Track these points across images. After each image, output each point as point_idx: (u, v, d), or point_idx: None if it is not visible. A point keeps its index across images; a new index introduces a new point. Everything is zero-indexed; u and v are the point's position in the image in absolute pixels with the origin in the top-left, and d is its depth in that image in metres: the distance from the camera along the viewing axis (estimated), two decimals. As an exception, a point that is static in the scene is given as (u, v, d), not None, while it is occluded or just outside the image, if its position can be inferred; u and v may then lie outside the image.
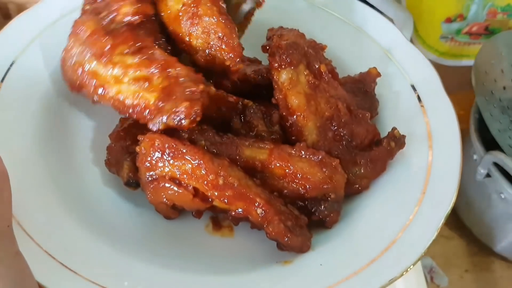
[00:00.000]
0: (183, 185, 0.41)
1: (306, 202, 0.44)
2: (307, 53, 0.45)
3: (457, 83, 0.73)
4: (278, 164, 0.43)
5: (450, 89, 0.73)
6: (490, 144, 0.58)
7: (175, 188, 0.42)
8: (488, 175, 0.59)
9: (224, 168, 0.41)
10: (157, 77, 0.42)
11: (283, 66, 0.44)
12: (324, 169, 0.43)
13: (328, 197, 0.43)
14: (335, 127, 0.45)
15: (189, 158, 0.41)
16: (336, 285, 0.39)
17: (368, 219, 0.44)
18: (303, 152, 0.43)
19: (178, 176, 0.41)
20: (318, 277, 0.40)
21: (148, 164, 0.42)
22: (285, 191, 0.43)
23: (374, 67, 0.51)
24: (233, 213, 0.42)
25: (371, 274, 0.40)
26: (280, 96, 0.45)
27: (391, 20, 0.60)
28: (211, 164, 0.41)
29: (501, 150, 0.56)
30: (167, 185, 0.42)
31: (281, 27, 0.48)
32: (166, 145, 0.41)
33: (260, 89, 0.48)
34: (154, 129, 0.42)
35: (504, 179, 0.57)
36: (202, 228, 0.46)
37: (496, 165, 0.57)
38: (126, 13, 0.45)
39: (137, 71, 0.43)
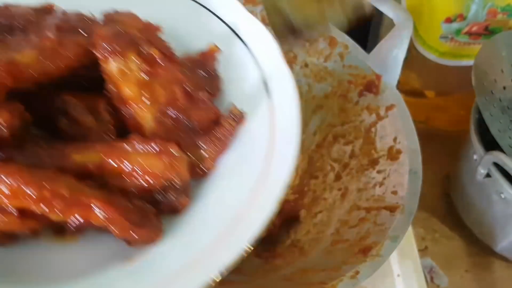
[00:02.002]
0: (6, 211, 0.37)
1: (154, 195, 0.42)
2: (137, 38, 0.43)
3: (457, 83, 0.73)
4: (115, 164, 0.40)
5: (450, 89, 0.73)
6: (490, 144, 0.58)
7: None
8: (488, 175, 0.59)
9: (48, 179, 0.37)
10: None
11: (110, 57, 0.41)
12: (163, 158, 0.41)
13: (174, 184, 0.42)
14: (173, 113, 0.44)
15: (4, 178, 0.36)
16: (176, 274, 0.38)
17: (215, 197, 0.43)
18: (137, 145, 0.41)
19: None
20: (160, 272, 0.39)
21: None
22: (131, 188, 0.41)
23: (214, 44, 0.49)
24: (72, 223, 0.39)
25: (221, 251, 0.39)
26: (113, 88, 0.43)
27: (390, 20, 0.60)
28: (31, 178, 0.37)
29: (501, 150, 0.56)
30: None
31: (116, 11, 0.46)
32: None
33: (79, 79, 0.45)
34: None
35: (504, 179, 0.57)
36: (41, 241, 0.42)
37: (496, 165, 0.57)
38: None
39: None
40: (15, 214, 0.37)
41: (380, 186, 0.54)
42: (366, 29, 0.79)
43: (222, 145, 0.45)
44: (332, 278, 0.44)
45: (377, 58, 0.59)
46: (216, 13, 0.52)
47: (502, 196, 0.58)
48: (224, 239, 0.39)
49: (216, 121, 0.46)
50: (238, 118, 0.46)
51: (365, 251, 0.47)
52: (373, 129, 0.58)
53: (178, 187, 0.42)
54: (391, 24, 0.73)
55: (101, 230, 0.40)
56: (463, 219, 0.67)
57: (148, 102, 0.43)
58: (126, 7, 0.46)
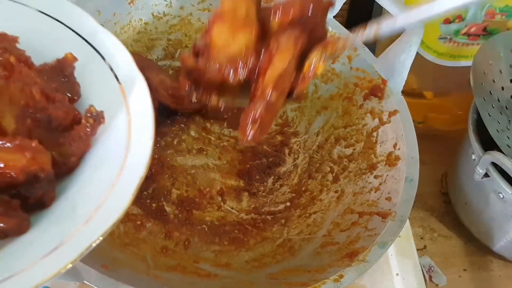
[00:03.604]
0: None
1: (20, 189, 0.44)
2: None
3: (456, 83, 0.73)
4: None
5: (449, 90, 0.73)
6: (488, 144, 0.59)
7: None
8: (486, 175, 0.59)
9: None
10: None
11: None
12: (25, 153, 0.43)
13: (38, 178, 0.44)
14: (32, 113, 0.47)
15: None
16: (43, 259, 0.40)
17: (79, 191, 0.46)
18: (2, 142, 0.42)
19: None
20: (27, 256, 0.41)
21: None
22: None
23: (70, 52, 0.52)
24: None
25: (77, 241, 0.41)
26: None
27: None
28: None
29: (500, 150, 0.56)
30: None
31: None
32: None
33: None
34: None
35: (503, 179, 0.57)
36: None
37: (495, 165, 0.57)
38: None
39: None
40: None
41: (375, 191, 0.54)
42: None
43: (84, 142, 0.48)
44: (316, 279, 0.45)
45: (385, 62, 0.59)
46: (71, 27, 0.56)
47: (500, 195, 0.58)
48: (84, 228, 0.42)
49: (77, 121, 0.49)
50: (96, 117, 0.49)
51: (352, 256, 0.47)
52: (374, 134, 0.58)
53: (43, 182, 0.44)
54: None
55: None
56: (462, 219, 0.67)
57: (8, 105, 0.45)
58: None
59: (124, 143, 0.48)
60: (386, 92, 0.58)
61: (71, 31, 0.56)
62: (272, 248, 0.54)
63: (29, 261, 0.40)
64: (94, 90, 0.53)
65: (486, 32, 0.69)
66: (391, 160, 0.55)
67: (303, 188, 0.60)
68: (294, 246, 0.54)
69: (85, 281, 0.45)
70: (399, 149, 0.55)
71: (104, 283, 0.44)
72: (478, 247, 0.66)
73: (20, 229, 0.43)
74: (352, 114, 0.61)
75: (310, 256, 0.51)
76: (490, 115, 0.59)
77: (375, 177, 0.55)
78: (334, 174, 0.59)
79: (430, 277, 0.63)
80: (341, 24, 0.64)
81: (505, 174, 0.56)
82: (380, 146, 0.57)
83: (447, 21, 0.68)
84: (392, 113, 0.57)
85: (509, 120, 0.60)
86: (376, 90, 0.59)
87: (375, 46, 0.76)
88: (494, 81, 0.62)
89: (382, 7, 0.60)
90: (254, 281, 0.49)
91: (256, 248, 0.54)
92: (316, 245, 0.52)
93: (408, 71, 0.58)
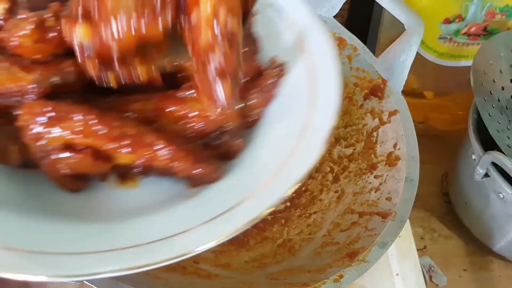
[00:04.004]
0: (79, 150, 0.38)
1: (209, 140, 0.44)
2: None
3: (456, 83, 0.73)
4: (173, 109, 0.42)
5: (449, 90, 0.73)
6: (488, 144, 0.59)
7: (72, 155, 0.38)
8: (486, 175, 0.59)
9: (116, 119, 0.39)
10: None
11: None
12: None
13: (226, 128, 0.44)
14: None
15: (76, 117, 0.38)
16: (236, 206, 0.39)
17: (264, 144, 0.45)
18: (190, 93, 0.42)
19: (69, 139, 0.38)
20: (221, 202, 0.41)
21: (35, 135, 0.38)
22: (187, 132, 0.43)
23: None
24: (138, 164, 0.40)
25: (272, 188, 0.41)
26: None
27: (390, 20, 0.60)
28: (102, 117, 0.38)
29: (500, 150, 0.56)
30: (61, 155, 0.38)
31: None
32: (48, 108, 0.38)
33: None
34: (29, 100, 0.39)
35: (503, 179, 0.57)
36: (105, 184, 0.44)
37: (495, 165, 0.57)
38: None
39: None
40: (88, 153, 0.38)
41: (375, 191, 0.54)
42: (365, 29, 0.79)
43: (267, 94, 0.47)
44: (316, 280, 0.45)
45: (385, 62, 0.59)
46: None
47: (501, 196, 0.58)
48: (276, 177, 0.41)
49: (259, 74, 0.47)
50: (279, 68, 0.47)
51: (352, 256, 0.47)
52: (374, 134, 0.58)
53: (230, 133, 0.43)
54: (391, 25, 0.74)
55: (163, 174, 0.42)
56: (462, 219, 0.67)
57: None
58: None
59: (306, 94, 0.46)
60: (386, 92, 0.58)
61: None
62: (272, 248, 0.54)
63: (224, 207, 0.39)
64: (272, 41, 0.50)
65: (486, 32, 0.69)
66: (391, 160, 0.55)
67: (303, 188, 0.60)
68: (294, 246, 0.54)
69: (85, 281, 0.44)
70: (399, 149, 0.55)
71: (104, 283, 0.44)
72: (478, 247, 0.66)
73: (214, 176, 0.42)
74: (352, 114, 0.61)
75: (310, 256, 0.51)
76: (490, 115, 0.59)
77: (375, 177, 0.55)
78: (334, 174, 0.59)
79: (430, 277, 0.63)
80: (341, 24, 0.64)
81: (506, 174, 0.56)
82: (380, 146, 0.57)
83: (447, 21, 0.68)
84: (392, 113, 0.57)
85: (509, 120, 0.60)
86: (376, 90, 0.59)
87: (375, 46, 0.76)
88: (494, 81, 0.62)
89: (382, 7, 0.60)
90: (254, 281, 0.49)
91: (256, 248, 0.54)
92: (316, 245, 0.52)
93: (408, 71, 0.58)
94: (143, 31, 0.38)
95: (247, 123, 0.46)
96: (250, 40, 0.50)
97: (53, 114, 0.38)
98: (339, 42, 0.63)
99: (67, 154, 0.38)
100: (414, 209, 0.50)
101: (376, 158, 0.56)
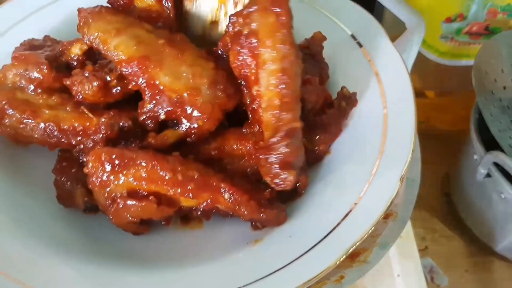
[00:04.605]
0: (144, 196, 0.40)
1: None
2: None
3: (458, 83, 0.73)
4: (235, 147, 0.42)
5: (451, 89, 0.73)
6: (490, 144, 0.58)
7: (137, 203, 0.40)
8: (488, 175, 0.59)
9: (179, 163, 0.40)
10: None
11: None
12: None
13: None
14: None
15: (141, 163, 0.39)
16: (304, 255, 0.38)
17: (331, 184, 0.44)
18: (253, 128, 0.42)
19: (135, 185, 0.39)
20: (287, 250, 0.39)
21: (101, 182, 0.40)
22: (248, 170, 0.43)
23: (319, 31, 0.50)
24: (201, 207, 0.41)
25: (337, 238, 0.39)
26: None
27: (391, 19, 0.59)
28: (165, 162, 0.40)
29: (502, 150, 0.56)
30: (128, 202, 0.40)
31: None
32: (114, 156, 0.39)
33: None
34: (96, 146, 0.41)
35: (504, 179, 0.57)
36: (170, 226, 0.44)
37: (497, 165, 0.57)
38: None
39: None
40: (153, 200, 0.39)
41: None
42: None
43: (335, 128, 0.45)
44: (317, 280, 0.45)
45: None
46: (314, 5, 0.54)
47: (502, 196, 0.58)
48: (347, 221, 0.40)
49: (328, 104, 0.46)
50: (349, 100, 0.45)
51: (353, 257, 0.47)
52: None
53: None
54: (392, 24, 0.73)
55: (226, 215, 0.42)
56: (463, 219, 0.67)
57: None
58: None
59: (380, 129, 0.44)
60: (388, 92, 0.58)
61: (316, 9, 0.53)
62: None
63: (290, 256, 0.39)
64: (343, 69, 0.49)
65: (488, 31, 0.69)
66: (393, 160, 0.54)
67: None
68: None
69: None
70: (400, 149, 0.54)
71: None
72: (480, 247, 0.66)
73: (278, 221, 0.42)
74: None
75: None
76: (492, 115, 0.59)
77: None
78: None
79: (432, 278, 0.62)
80: (342, 23, 0.63)
81: (507, 174, 0.56)
82: (381, 146, 0.57)
83: (449, 20, 0.67)
84: (394, 112, 0.57)
85: (511, 120, 0.60)
86: (378, 90, 0.59)
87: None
88: (496, 81, 0.61)
89: (383, 6, 0.59)
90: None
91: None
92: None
93: (409, 70, 0.57)
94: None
95: (315, 157, 0.45)
96: (319, 66, 0.49)
97: (118, 161, 0.39)
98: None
99: (132, 202, 0.39)
100: (415, 210, 0.50)
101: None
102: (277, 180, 0.40)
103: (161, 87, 0.42)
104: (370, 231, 0.38)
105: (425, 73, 0.73)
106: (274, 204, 0.42)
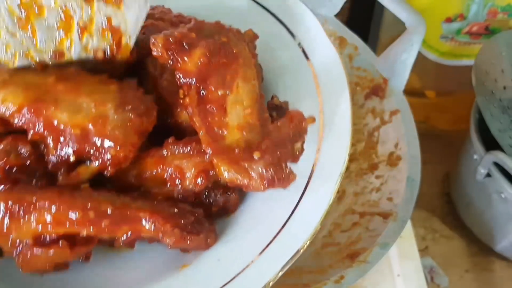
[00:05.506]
0: (53, 240, 0.35)
1: (203, 196, 0.40)
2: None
3: (458, 83, 0.73)
4: (154, 172, 0.38)
5: (451, 89, 0.73)
6: (490, 144, 0.58)
7: (46, 252, 0.35)
8: (488, 175, 0.59)
9: (89, 199, 0.36)
10: None
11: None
12: (204, 157, 0.38)
13: (219, 184, 0.39)
14: None
15: (43, 205, 0.35)
16: (233, 280, 0.36)
17: (262, 199, 0.41)
18: (174, 148, 0.39)
19: (40, 231, 0.35)
20: (214, 276, 0.37)
21: (1, 232, 0.35)
22: (174, 193, 0.39)
23: (250, 29, 0.45)
24: (122, 240, 0.37)
25: (267, 260, 0.37)
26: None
27: (391, 19, 0.59)
28: (73, 200, 0.35)
29: (502, 150, 0.56)
30: (35, 252, 0.35)
31: None
32: (10, 203, 0.35)
33: None
34: None
35: (505, 179, 0.57)
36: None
37: (497, 165, 0.57)
38: None
39: None
40: (64, 246, 0.35)
41: (376, 192, 0.54)
42: (367, 28, 0.79)
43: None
44: (317, 281, 0.45)
45: (386, 61, 0.59)
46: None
47: (502, 196, 0.58)
48: (278, 240, 0.38)
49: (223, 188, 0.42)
50: (281, 109, 0.43)
51: (353, 257, 0.47)
52: (376, 134, 0.58)
53: (225, 186, 0.39)
54: (392, 23, 0.73)
55: (154, 240, 0.39)
56: (463, 219, 0.67)
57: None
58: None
59: (315, 145, 0.41)
60: (388, 92, 0.58)
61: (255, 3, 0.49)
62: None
63: (220, 280, 0.36)
64: (277, 70, 0.45)
65: (488, 31, 0.69)
66: (393, 160, 0.54)
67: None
68: (294, 247, 0.53)
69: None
70: (400, 149, 0.54)
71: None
72: (480, 247, 0.66)
73: (207, 245, 0.39)
74: (353, 114, 0.61)
75: (310, 257, 0.51)
76: (492, 115, 0.59)
77: (376, 177, 0.55)
78: (335, 174, 0.59)
79: (432, 278, 0.62)
80: (342, 23, 0.63)
81: (507, 174, 0.56)
82: (381, 146, 0.57)
83: (449, 20, 0.67)
84: (394, 112, 0.57)
85: (511, 120, 0.60)
86: (377, 90, 0.59)
87: (376, 45, 0.76)
88: (496, 81, 0.61)
89: (383, 6, 0.59)
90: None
91: (256, 249, 0.54)
92: (316, 245, 0.52)
93: (409, 71, 0.57)
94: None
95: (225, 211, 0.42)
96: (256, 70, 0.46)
97: (16, 207, 0.35)
98: (339, 41, 0.62)
99: (40, 251, 0.35)
100: (415, 209, 0.50)
101: (377, 158, 0.56)
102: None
103: (61, 126, 0.37)
104: (305, 248, 0.36)
105: (425, 73, 0.73)
106: (202, 225, 0.39)
